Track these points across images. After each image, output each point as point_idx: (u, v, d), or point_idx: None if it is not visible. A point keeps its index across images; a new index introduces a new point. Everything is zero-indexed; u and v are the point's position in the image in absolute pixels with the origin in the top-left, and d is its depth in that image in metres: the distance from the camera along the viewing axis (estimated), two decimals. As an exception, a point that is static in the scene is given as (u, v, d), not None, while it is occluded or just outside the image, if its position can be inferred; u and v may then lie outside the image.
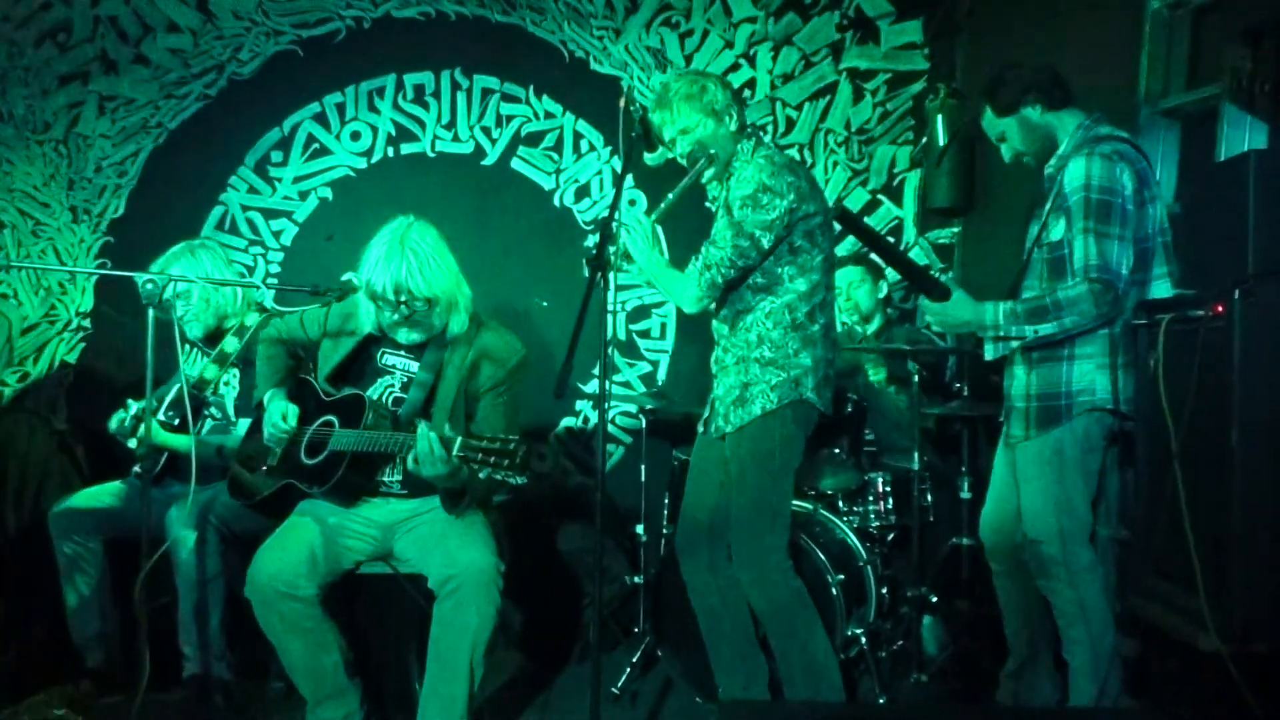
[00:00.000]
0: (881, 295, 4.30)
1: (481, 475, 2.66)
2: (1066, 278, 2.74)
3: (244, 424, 3.45)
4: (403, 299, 2.96)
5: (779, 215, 2.86)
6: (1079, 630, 2.79)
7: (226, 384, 3.58)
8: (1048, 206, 2.83)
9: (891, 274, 4.52)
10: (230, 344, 3.58)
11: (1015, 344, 2.82)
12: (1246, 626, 2.18)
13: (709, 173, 3.03)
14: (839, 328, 4.38)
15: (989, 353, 2.94)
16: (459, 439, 2.67)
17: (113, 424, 3.52)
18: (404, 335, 3.09)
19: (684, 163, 3.03)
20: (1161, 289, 2.74)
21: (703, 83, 3.01)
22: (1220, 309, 2.25)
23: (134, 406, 3.45)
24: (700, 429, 3.20)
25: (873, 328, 4.26)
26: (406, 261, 2.92)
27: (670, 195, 2.93)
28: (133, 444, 3.47)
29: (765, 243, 2.89)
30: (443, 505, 3.02)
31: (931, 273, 2.85)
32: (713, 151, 2.98)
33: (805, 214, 2.91)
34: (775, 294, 2.95)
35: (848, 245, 4.62)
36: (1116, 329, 2.73)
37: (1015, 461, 2.92)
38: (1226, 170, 2.49)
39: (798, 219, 2.90)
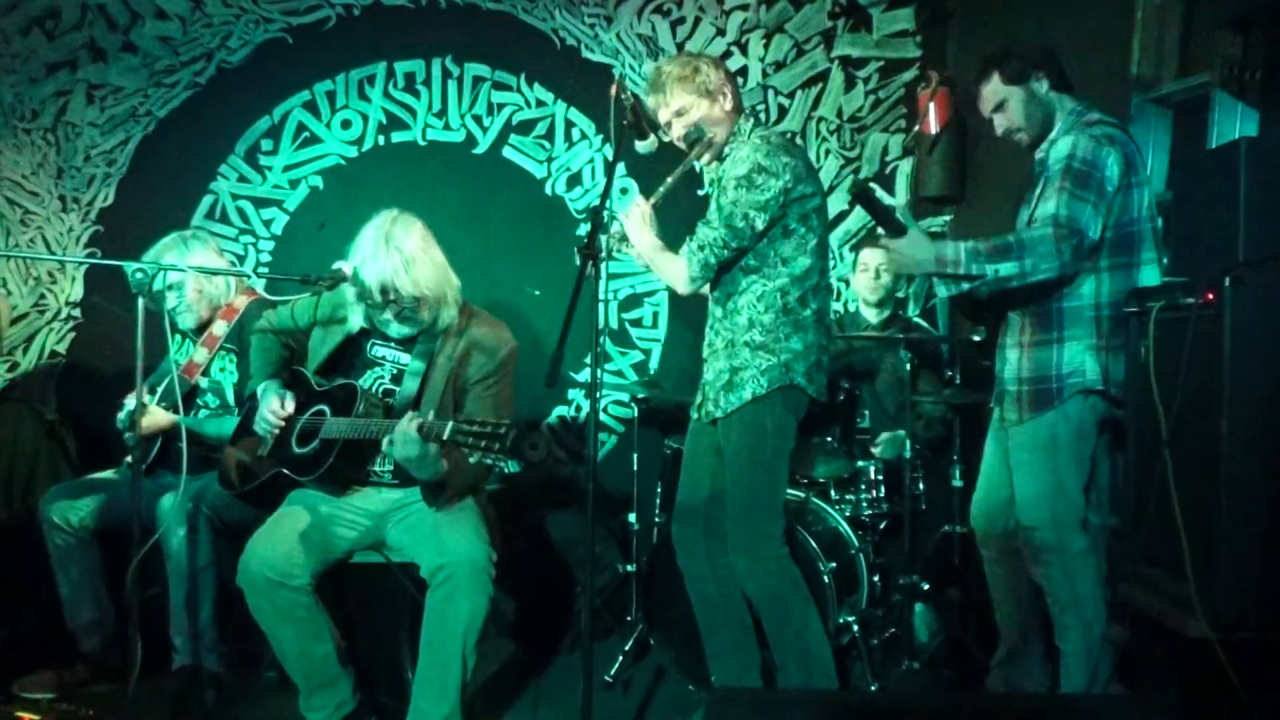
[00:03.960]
0: (901, 288, 4.28)
1: (473, 459, 2.66)
2: None
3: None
4: (391, 298, 2.96)
5: (773, 196, 2.86)
6: (1071, 616, 2.80)
7: (223, 370, 3.58)
8: (1037, 190, 2.83)
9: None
10: (219, 327, 3.57)
11: (967, 286, 2.75)
12: (1235, 613, 2.19)
13: (705, 155, 3.02)
14: (848, 311, 4.39)
15: (940, 290, 2.88)
16: (450, 423, 2.67)
17: (120, 417, 3.52)
18: (395, 330, 3.09)
19: (681, 145, 3.03)
20: (1150, 275, 2.74)
21: (695, 64, 3.00)
22: (1211, 297, 2.25)
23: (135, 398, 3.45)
24: (693, 414, 3.19)
25: (882, 316, 4.24)
26: (391, 260, 2.91)
27: (669, 179, 2.93)
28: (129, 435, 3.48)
29: (759, 223, 2.88)
30: (423, 498, 3.02)
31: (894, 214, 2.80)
32: (708, 133, 2.98)
33: (801, 195, 2.90)
34: (767, 277, 2.94)
35: (845, 230, 4.62)
36: (1105, 312, 2.74)
37: (1008, 447, 2.93)
38: (1217, 158, 2.49)
39: (793, 200, 2.89)
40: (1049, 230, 2.64)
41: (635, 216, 2.98)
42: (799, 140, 4.61)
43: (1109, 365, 2.74)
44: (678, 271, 2.95)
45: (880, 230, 2.83)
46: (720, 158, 3.03)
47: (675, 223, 3.09)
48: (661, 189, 2.94)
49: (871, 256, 4.18)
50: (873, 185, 4.51)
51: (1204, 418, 2.26)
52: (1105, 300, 2.75)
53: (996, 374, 3.00)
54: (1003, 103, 2.92)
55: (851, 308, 4.46)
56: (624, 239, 3.02)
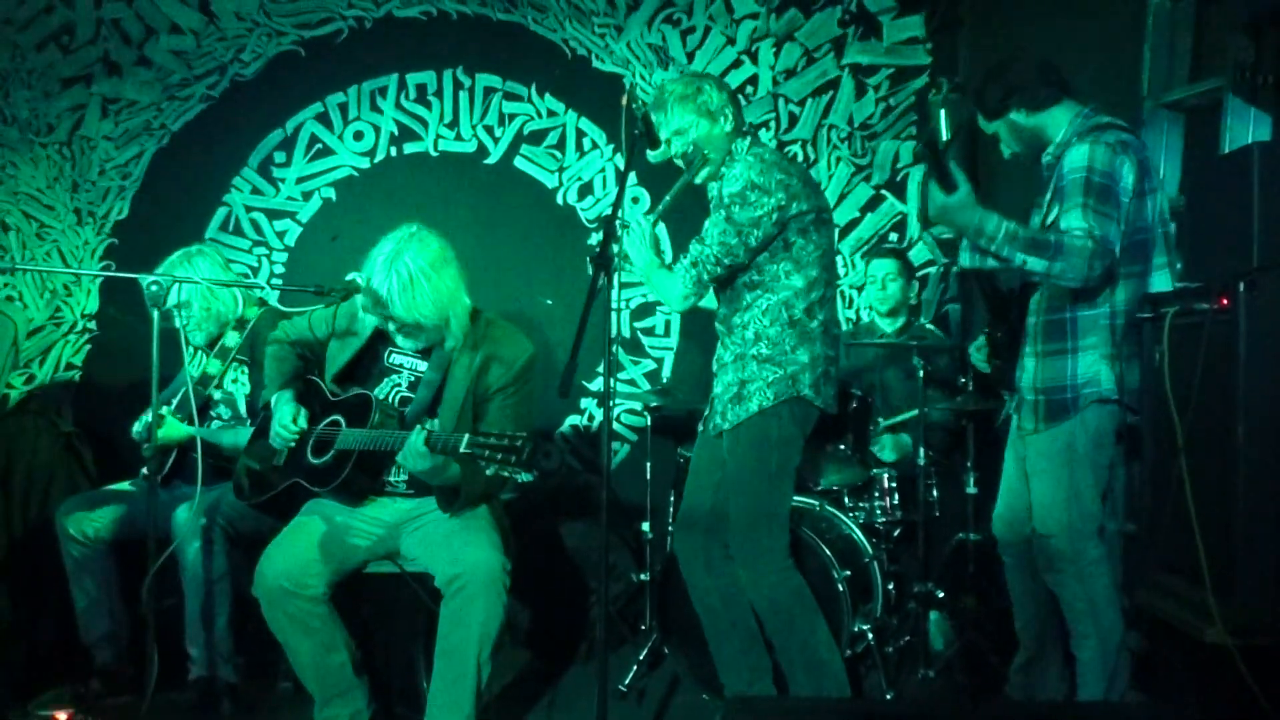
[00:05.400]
0: (913, 295, 4.30)
1: (489, 472, 2.67)
2: None
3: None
4: (387, 314, 2.96)
5: (767, 212, 2.87)
6: (1087, 624, 2.78)
7: (235, 381, 3.60)
8: (1049, 195, 2.81)
9: (917, 256, 4.52)
10: (231, 338, 3.60)
11: (992, 264, 2.72)
12: (1252, 619, 2.18)
13: (704, 173, 3.03)
14: (863, 320, 4.40)
15: (964, 260, 2.83)
16: (466, 436, 2.67)
17: (135, 428, 3.54)
18: (402, 342, 3.11)
19: (680, 163, 3.05)
20: (1161, 280, 2.73)
21: (698, 84, 3.02)
22: (1225, 302, 2.24)
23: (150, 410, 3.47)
24: (701, 427, 3.20)
25: (896, 325, 4.26)
26: (388, 284, 2.89)
27: (667, 196, 2.97)
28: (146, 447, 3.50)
29: (754, 240, 2.89)
30: (438, 504, 3.03)
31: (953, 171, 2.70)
32: (707, 152, 2.99)
33: (798, 212, 2.91)
34: (771, 291, 2.95)
35: (856, 237, 4.62)
36: (1119, 320, 2.72)
37: (1025, 455, 2.92)
38: (1230, 163, 2.48)
39: (789, 217, 2.90)
40: (1088, 243, 2.60)
41: (634, 234, 3.00)
42: (810, 148, 4.62)
43: (1124, 374, 2.72)
44: (672, 288, 2.97)
45: (934, 182, 2.72)
46: (718, 176, 3.04)
47: (687, 240, 3.09)
48: (660, 206, 2.98)
49: (878, 268, 4.22)
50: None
51: (1219, 423, 2.25)
52: (1120, 309, 2.73)
53: (1014, 382, 2.98)
54: (995, 134, 2.95)
55: (865, 316, 4.46)
56: (625, 256, 3.04)
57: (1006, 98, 2.86)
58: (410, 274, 2.90)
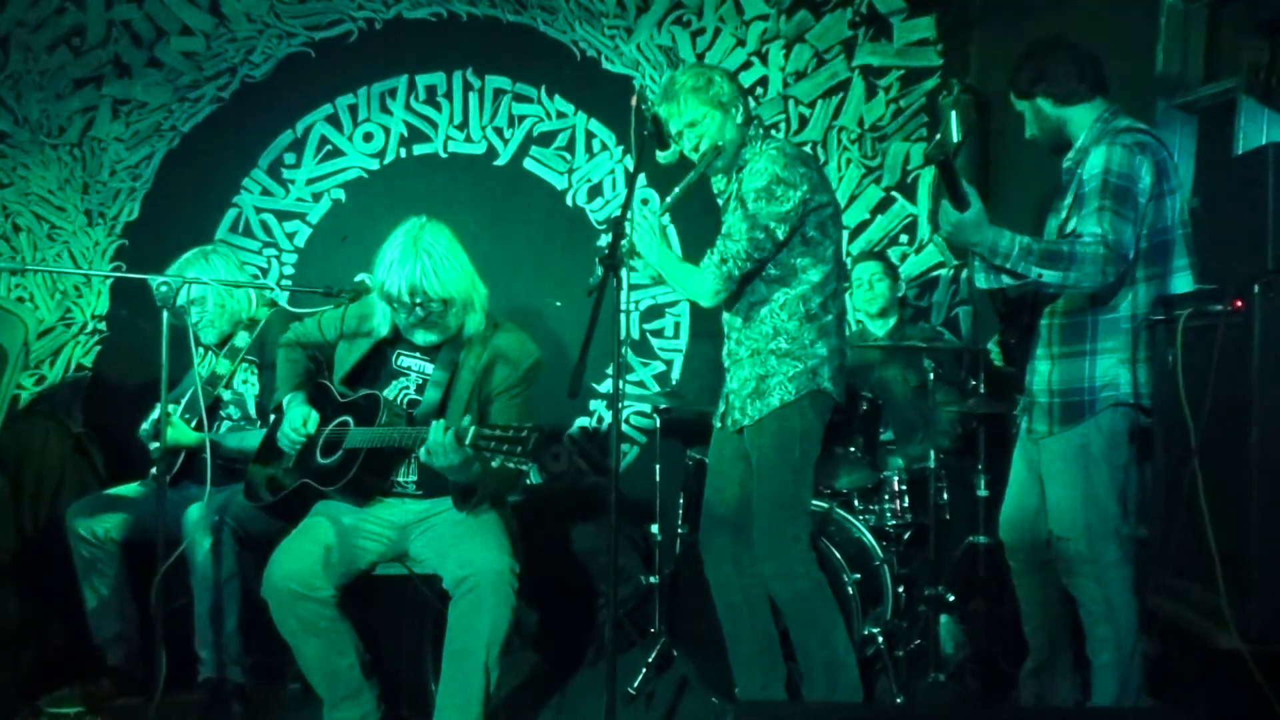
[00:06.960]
0: (899, 294, 4.30)
1: (495, 464, 2.67)
2: None
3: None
4: (418, 301, 2.97)
5: (793, 207, 2.86)
6: (1105, 628, 2.76)
7: (245, 382, 3.60)
8: (1068, 200, 2.79)
9: (905, 272, 4.52)
10: (241, 339, 3.60)
11: (1008, 281, 2.69)
12: (1267, 625, 2.16)
13: (716, 165, 3.02)
14: (853, 328, 4.39)
15: (980, 281, 2.80)
16: (472, 428, 2.67)
17: (143, 427, 3.55)
18: (420, 337, 3.10)
19: (692, 156, 3.03)
20: (1183, 281, 2.70)
21: (709, 75, 3.00)
22: (1239, 304, 2.23)
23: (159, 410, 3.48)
24: (716, 424, 3.19)
25: (887, 326, 4.25)
26: (420, 263, 2.93)
27: (677, 188, 2.93)
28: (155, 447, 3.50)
29: (780, 234, 2.88)
30: (453, 502, 3.02)
31: (964, 190, 2.66)
32: (720, 144, 2.98)
33: (818, 205, 2.91)
34: (789, 285, 2.95)
35: (866, 239, 4.61)
36: (1139, 323, 2.70)
37: (1039, 458, 2.90)
38: (1244, 164, 2.47)
39: (810, 210, 2.90)
40: (1100, 250, 2.58)
41: (644, 228, 2.98)
42: (820, 150, 4.61)
43: (1143, 377, 2.69)
44: (701, 285, 2.95)
45: (946, 200, 2.68)
46: (731, 169, 3.03)
47: (695, 235, 3.08)
48: (670, 198, 2.95)
49: (863, 270, 4.24)
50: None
51: (1233, 426, 2.23)
52: (1141, 312, 2.70)
53: (1026, 385, 2.96)
54: (1020, 112, 2.93)
55: (855, 325, 4.45)
56: (632, 252, 3.02)
57: (1035, 83, 2.85)
58: (439, 253, 2.97)
